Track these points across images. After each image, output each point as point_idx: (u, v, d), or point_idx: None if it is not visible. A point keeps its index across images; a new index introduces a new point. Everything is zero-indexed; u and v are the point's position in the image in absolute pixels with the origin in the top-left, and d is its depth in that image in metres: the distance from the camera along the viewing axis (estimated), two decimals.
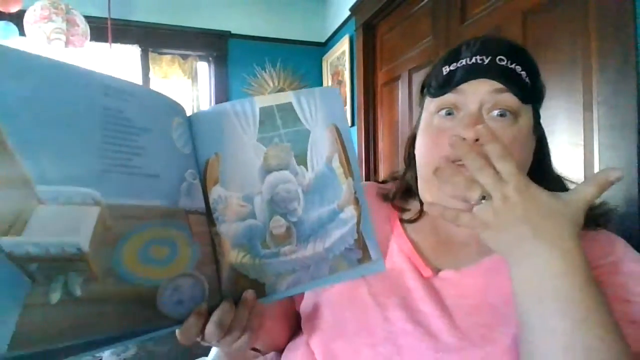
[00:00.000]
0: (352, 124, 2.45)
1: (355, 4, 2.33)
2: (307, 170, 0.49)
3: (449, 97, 0.53)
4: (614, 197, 0.97)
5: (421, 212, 0.61)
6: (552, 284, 0.40)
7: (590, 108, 1.05)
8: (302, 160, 0.49)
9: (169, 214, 0.43)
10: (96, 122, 0.39)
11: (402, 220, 0.62)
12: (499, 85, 0.51)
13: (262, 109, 0.48)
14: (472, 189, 0.43)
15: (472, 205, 0.44)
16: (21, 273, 0.34)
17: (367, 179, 2.32)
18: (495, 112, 0.51)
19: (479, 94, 0.51)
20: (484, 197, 0.43)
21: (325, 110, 0.49)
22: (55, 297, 0.35)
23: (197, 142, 0.48)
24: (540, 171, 0.55)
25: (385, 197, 0.65)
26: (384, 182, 0.70)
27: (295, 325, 0.64)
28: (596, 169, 1.03)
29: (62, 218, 0.36)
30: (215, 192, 0.47)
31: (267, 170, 0.48)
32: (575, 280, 0.40)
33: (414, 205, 0.63)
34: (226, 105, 0.48)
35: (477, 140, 0.48)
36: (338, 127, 0.49)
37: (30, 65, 0.36)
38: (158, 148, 0.43)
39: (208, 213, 0.47)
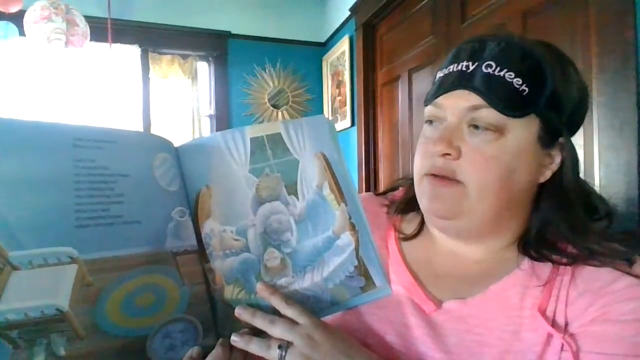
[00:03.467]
0: (352, 124, 2.45)
1: (355, 4, 2.33)
2: (298, 199, 0.48)
3: (430, 109, 0.52)
4: (614, 197, 0.97)
5: (421, 227, 0.58)
6: None
7: (590, 108, 1.04)
8: (292, 190, 0.48)
9: (154, 259, 0.42)
10: (67, 176, 0.37)
11: (398, 239, 0.58)
12: (475, 101, 0.47)
13: (252, 140, 0.48)
14: (270, 348, 0.44)
15: None
16: (1, 340, 0.33)
17: (367, 179, 2.32)
18: (475, 127, 0.48)
19: (456, 109, 0.49)
20: (285, 349, 0.43)
21: (313, 140, 0.49)
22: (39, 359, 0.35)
23: (186, 175, 0.46)
24: (559, 185, 0.50)
25: (388, 208, 0.62)
26: (383, 192, 0.67)
27: None
28: (596, 169, 1.03)
29: (39, 281, 0.35)
30: (208, 226, 0.46)
31: (259, 201, 0.48)
32: None
33: (414, 219, 0.60)
34: (216, 136, 0.47)
35: (447, 154, 0.48)
36: (326, 154, 0.48)
37: None
38: (139, 192, 0.41)
39: (200, 249, 0.46)
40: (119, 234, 0.39)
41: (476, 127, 0.48)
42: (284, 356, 0.43)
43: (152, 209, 0.42)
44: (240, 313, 0.46)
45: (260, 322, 0.45)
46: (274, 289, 0.47)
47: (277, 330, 0.44)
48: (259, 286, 0.47)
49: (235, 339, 0.45)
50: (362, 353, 0.45)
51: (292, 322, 0.44)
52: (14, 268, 0.34)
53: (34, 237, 0.35)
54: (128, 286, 0.40)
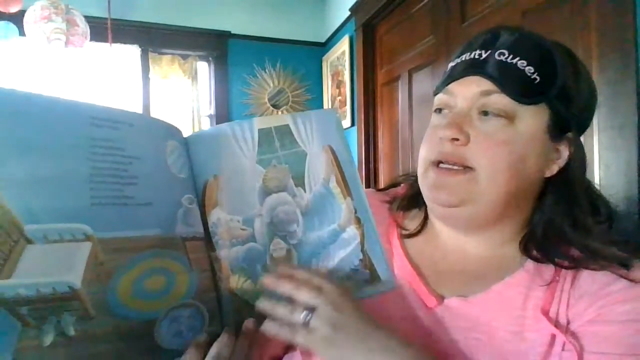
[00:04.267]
0: (352, 124, 2.45)
1: (355, 4, 2.33)
2: (305, 191, 0.48)
3: (441, 97, 0.53)
4: (614, 197, 0.97)
5: (424, 224, 0.58)
6: None
7: None
8: (299, 181, 0.48)
9: (165, 243, 0.42)
10: (83, 154, 0.37)
11: (400, 235, 0.58)
12: (487, 87, 0.48)
13: (260, 131, 0.48)
14: (295, 311, 0.42)
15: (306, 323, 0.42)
16: (11, 316, 0.33)
17: (367, 179, 2.32)
18: (485, 113, 0.48)
19: (467, 95, 0.49)
20: (311, 313, 0.42)
21: (321, 132, 0.49)
22: (49, 338, 0.34)
23: (194, 165, 0.46)
24: (565, 182, 0.50)
25: (390, 204, 0.61)
26: (385, 189, 0.66)
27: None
28: (596, 170, 1.03)
29: (53, 256, 0.35)
30: (215, 215, 0.46)
31: (266, 192, 0.48)
32: None
33: (417, 216, 0.59)
34: (225, 126, 0.48)
35: (455, 139, 0.48)
36: (333, 148, 0.49)
37: (7, 102, 0.34)
38: (151, 175, 0.42)
39: (207, 237, 0.46)
40: (131, 215, 0.39)
41: (486, 113, 0.48)
42: (309, 320, 0.42)
43: (163, 193, 0.43)
44: (266, 279, 0.45)
45: (286, 288, 0.44)
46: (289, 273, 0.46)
47: (302, 295, 0.43)
48: (264, 279, 0.46)
49: (261, 304, 0.44)
50: (383, 325, 0.44)
51: (318, 288, 0.43)
52: (29, 242, 0.34)
53: (50, 212, 0.35)
54: (139, 268, 0.40)
